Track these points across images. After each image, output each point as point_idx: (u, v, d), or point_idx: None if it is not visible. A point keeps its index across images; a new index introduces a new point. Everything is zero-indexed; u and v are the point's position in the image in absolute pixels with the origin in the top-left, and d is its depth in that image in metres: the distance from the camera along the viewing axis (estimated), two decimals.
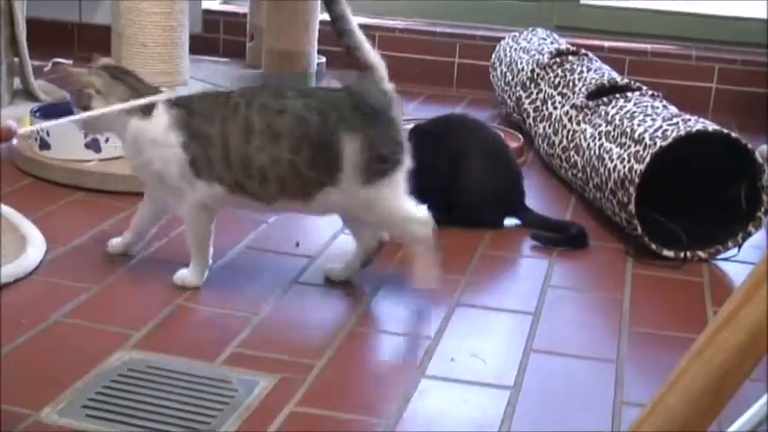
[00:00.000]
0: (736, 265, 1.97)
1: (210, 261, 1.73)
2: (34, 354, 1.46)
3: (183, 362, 1.46)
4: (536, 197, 2.35)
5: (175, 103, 1.67)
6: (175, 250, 1.85)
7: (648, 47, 3.27)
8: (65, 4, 3.52)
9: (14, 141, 2.19)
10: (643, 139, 1.99)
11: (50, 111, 2.28)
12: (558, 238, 2.01)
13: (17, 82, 2.74)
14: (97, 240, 1.89)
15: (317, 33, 2.83)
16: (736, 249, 1.99)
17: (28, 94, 2.72)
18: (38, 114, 2.22)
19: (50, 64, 3.19)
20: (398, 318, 1.66)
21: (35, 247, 1.77)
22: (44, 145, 2.17)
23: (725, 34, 3.31)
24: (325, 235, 1.99)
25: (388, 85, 1.67)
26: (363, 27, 3.64)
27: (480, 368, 1.51)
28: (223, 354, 1.49)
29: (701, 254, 1.97)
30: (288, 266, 1.82)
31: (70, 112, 2.28)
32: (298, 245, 1.91)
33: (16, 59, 2.70)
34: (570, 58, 2.64)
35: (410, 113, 2.96)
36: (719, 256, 1.99)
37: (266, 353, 1.51)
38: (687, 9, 3.43)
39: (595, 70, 2.53)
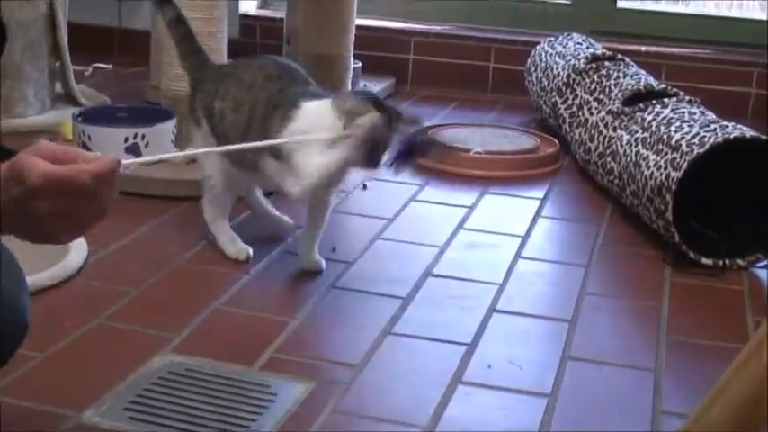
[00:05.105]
0: None
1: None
2: (76, 356, 1.49)
3: (222, 365, 1.47)
4: (572, 203, 2.35)
5: None
6: (213, 254, 1.87)
7: (686, 51, 3.25)
8: (105, 10, 3.55)
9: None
10: (680, 146, 1.98)
11: (92, 115, 2.31)
12: None
13: (58, 86, 2.78)
14: (137, 245, 1.91)
15: (353, 38, 2.84)
16: None
17: (69, 98, 2.76)
18: (80, 119, 2.24)
19: (91, 69, 3.23)
20: (435, 323, 1.66)
21: (77, 251, 1.79)
22: (85, 149, 2.19)
23: (763, 38, 3.28)
24: (363, 240, 2.00)
25: None
26: (398, 31, 3.65)
27: (517, 375, 1.51)
28: (261, 358, 1.51)
29: (739, 262, 1.96)
30: (325, 271, 1.83)
31: (111, 116, 2.32)
32: (334, 250, 1.92)
33: (58, 64, 2.74)
34: (606, 63, 2.63)
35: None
36: (759, 264, 1.97)
37: (304, 358, 1.52)
38: (725, 13, 3.41)
39: (632, 76, 2.52)
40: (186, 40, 1.92)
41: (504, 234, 2.08)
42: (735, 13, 3.42)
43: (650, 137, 2.11)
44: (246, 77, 1.78)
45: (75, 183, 0.98)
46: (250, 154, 1.75)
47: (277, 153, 1.69)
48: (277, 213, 1.99)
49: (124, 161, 1.04)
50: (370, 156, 1.60)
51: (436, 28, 3.42)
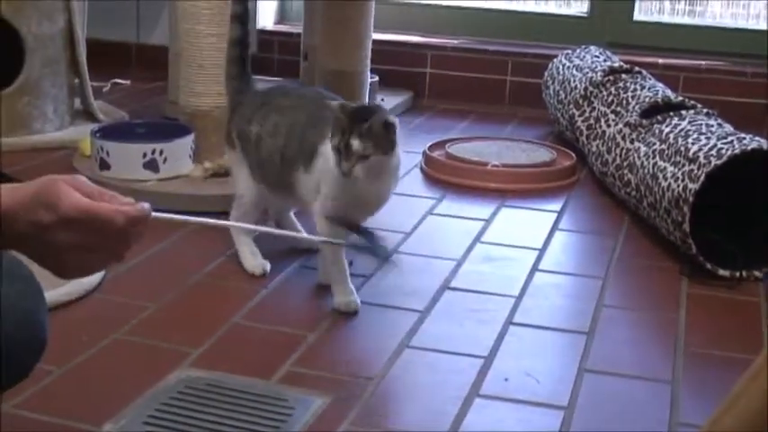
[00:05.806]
0: None
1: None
2: (95, 371, 1.50)
3: (240, 380, 1.48)
4: (589, 216, 2.35)
5: None
6: (232, 268, 1.88)
7: (703, 63, 3.25)
8: (123, 26, 3.59)
9: None
10: (697, 157, 1.98)
11: (110, 131, 2.33)
12: None
13: (77, 102, 2.80)
14: (155, 260, 1.93)
15: (369, 53, 2.86)
16: None
17: (88, 114, 2.78)
18: (98, 135, 2.27)
19: (109, 84, 3.26)
20: (453, 336, 1.67)
21: None
22: (104, 165, 2.22)
23: None
24: None
25: None
26: (415, 45, 3.66)
27: (534, 387, 1.51)
28: (279, 372, 1.51)
29: (756, 273, 1.96)
30: None
31: (130, 133, 2.34)
32: (351, 263, 1.92)
33: (76, 80, 2.76)
34: (623, 75, 2.63)
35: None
36: None
37: (321, 371, 1.52)
38: (741, 25, 3.40)
39: (649, 88, 2.52)
40: (236, 45, 1.91)
41: (520, 247, 2.08)
42: (752, 25, 3.41)
43: (668, 149, 2.11)
44: (286, 102, 1.82)
45: (110, 222, 0.97)
46: (284, 171, 1.78)
47: (308, 165, 1.73)
48: (307, 235, 1.99)
49: (154, 214, 1.03)
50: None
51: (453, 42, 3.43)
